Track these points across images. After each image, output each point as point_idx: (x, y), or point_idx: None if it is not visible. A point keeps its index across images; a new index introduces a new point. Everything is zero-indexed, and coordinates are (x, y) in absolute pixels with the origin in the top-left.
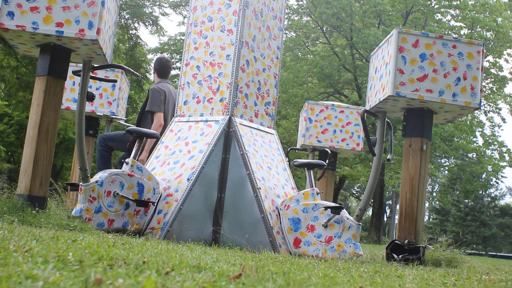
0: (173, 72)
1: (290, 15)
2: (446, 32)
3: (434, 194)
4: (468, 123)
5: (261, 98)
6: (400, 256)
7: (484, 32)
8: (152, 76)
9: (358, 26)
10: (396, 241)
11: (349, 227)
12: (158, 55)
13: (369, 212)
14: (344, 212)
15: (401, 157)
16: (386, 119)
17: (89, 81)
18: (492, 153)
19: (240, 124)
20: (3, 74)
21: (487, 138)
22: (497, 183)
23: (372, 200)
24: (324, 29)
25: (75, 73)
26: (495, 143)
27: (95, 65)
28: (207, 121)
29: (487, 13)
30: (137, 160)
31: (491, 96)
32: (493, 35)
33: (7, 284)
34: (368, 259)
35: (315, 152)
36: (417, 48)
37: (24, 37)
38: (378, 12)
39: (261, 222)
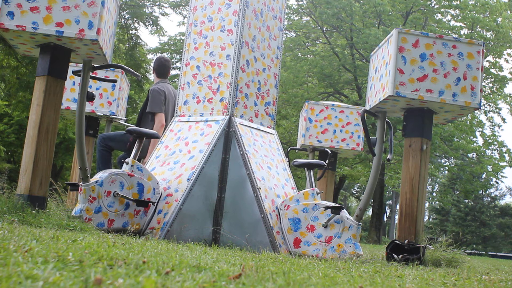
0: (173, 72)
1: (290, 15)
2: (446, 32)
3: (434, 194)
4: (468, 123)
5: (261, 98)
6: (400, 256)
7: (484, 32)
8: (152, 76)
9: (358, 26)
10: (396, 241)
11: (349, 227)
12: (158, 55)
13: (369, 212)
14: (344, 212)
15: (401, 157)
16: (386, 119)
17: (89, 81)
18: (492, 153)
19: (240, 124)
20: (3, 74)
21: (487, 138)
22: (497, 183)
23: (372, 200)
24: (324, 29)
25: (75, 73)
26: (495, 143)
27: (95, 65)
28: (207, 121)
29: (487, 13)
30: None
31: (491, 96)
32: (493, 35)
33: (7, 284)
34: (368, 259)
35: (315, 152)
36: (417, 48)
37: (24, 37)
38: (378, 12)
39: (261, 222)
